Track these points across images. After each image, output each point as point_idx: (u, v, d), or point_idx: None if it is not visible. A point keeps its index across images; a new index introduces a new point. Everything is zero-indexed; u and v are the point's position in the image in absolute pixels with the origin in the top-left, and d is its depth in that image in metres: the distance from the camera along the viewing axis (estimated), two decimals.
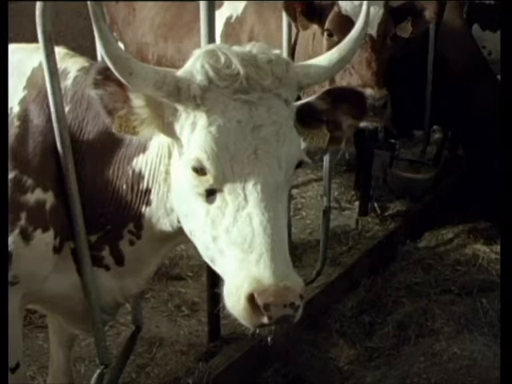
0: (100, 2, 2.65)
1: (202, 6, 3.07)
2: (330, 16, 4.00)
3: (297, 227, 5.39)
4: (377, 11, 3.98)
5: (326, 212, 4.37)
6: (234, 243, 2.09)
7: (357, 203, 5.67)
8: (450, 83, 5.32)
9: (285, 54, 3.80)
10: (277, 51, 2.29)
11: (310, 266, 4.48)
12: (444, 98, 5.37)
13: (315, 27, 4.08)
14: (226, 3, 4.69)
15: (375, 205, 5.54)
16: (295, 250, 4.92)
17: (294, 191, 5.90)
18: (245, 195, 2.10)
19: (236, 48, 2.26)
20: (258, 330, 2.18)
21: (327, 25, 4.02)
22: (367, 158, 5.52)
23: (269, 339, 2.31)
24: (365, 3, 2.47)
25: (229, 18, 4.66)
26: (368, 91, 3.66)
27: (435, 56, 5.32)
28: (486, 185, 5.44)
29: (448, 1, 5.50)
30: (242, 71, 2.15)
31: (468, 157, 5.81)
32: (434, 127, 6.22)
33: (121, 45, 5.30)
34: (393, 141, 5.59)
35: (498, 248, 5.15)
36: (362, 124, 3.79)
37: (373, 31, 3.97)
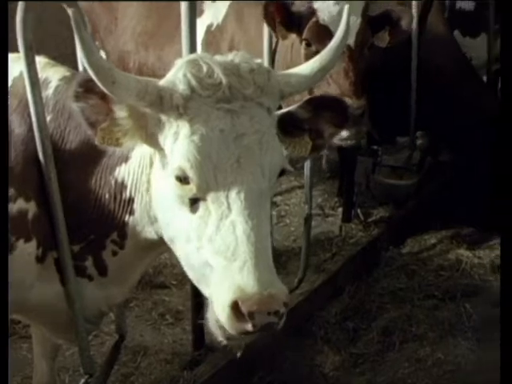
0: (82, 11, 2.66)
1: (183, 14, 3.08)
2: (308, 26, 4.01)
3: (281, 234, 5.41)
4: (355, 21, 3.97)
5: (308, 219, 4.38)
6: (218, 252, 2.10)
7: (340, 210, 5.69)
8: (434, 89, 5.35)
9: (265, 63, 3.82)
10: (258, 60, 2.31)
11: (294, 273, 4.47)
12: (429, 104, 5.40)
13: (294, 36, 4.08)
14: (206, 11, 4.70)
15: (358, 211, 5.57)
16: (279, 258, 4.93)
17: (278, 198, 5.92)
18: (228, 204, 2.11)
19: (218, 57, 2.27)
20: (228, 346, 2.22)
21: (305, 34, 4.03)
22: (350, 165, 5.55)
23: (238, 354, 2.31)
24: (344, 12, 2.49)
25: (209, 26, 4.66)
26: (347, 101, 3.68)
27: (419, 62, 5.36)
28: (471, 190, 5.50)
29: (430, 8, 5.60)
30: (224, 80, 2.16)
31: (454, 162, 5.86)
32: (417, 133, 6.26)
33: (103, 53, 5.30)
34: (375, 147, 5.62)
35: (480, 253, 5.20)
36: (337, 142, 3.85)
37: (351, 41, 3.96)
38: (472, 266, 5.06)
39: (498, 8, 6.29)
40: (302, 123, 2.42)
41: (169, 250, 2.50)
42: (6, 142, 2.44)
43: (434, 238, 5.42)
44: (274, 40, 4.09)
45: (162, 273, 4.82)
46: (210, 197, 2.13)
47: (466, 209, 5.45)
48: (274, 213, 5.63)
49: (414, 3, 5.29)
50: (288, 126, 2.38)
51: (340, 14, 2.59)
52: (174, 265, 4.76)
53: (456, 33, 6.11)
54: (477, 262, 5.10)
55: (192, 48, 3.11)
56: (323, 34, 3.79)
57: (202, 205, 2.15)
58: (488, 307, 4.62)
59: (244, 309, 2.01)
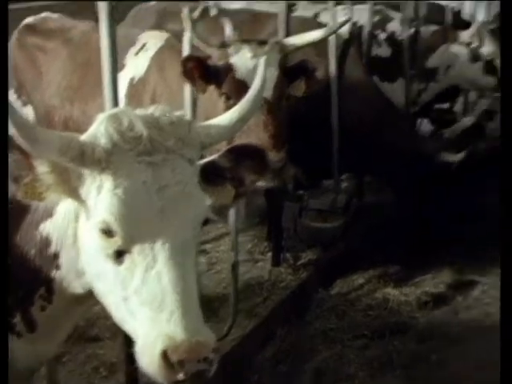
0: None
1: (105, 67, 3.14)
2: (227, 80, 4.09)
3: (212, 281, 5.43)
4: (272, 73, 4.06)
5: (235, 266, 4.45)
6: (145, 303, 2.12)
7: (270, 254, 5.76)
8: (356, 133, 5.53)
9: (188, 114, 3.90)
10: (179, 112, 2.37)
11: (226, 319, 4.49)
12: (351, 148, 5.57)
13: (213, 89, 4.16)
14: (128, 65, 4.77)
15: (287, 255, 5.66)
16: (211, 304, 4.95)
17: (208, 246, 5.96)
18: (153, 255, 2.14)
19: (139, 111, 2.32)
20: None
21: (224, 88, 4.11)
22: (277, 210, 5.66)
23: None
24: (260, 65, 2.59)
25: (132, 80, 4.73)
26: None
27: (340, 107, 5.53)
28: (396, 229, 5.68)
29: (348, 55, 5.83)
30: (145, 133, 2.21)
31: (381, 202, 6.04)
32: (343, 176, 6.43)
33: (29, 108, 5.30)
34: (301, 192, 5.75)
35: (406, 290, 5.35)
36: (260, 183, 3.92)
37: (269, 94, 4.03)
38: (399, 304, 5.18)
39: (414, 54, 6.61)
40: (224, 172, 2.47)
41: (98, 302, 2.51)
42: (6, 142, 2.41)
43: (361, 278, 5.54)
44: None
45: (96, 325, 4.75)
46: (136, 249, 2.16)
47: (392, 248, 5.63)
48: (204, 260, 5.67)
49: (331, 52, 5.50)
50: (210, 175, 2.43)
51: (256, 68, 2.68)
52: (108, 316, 4.70)
53: (375, 78, 6.36)
54: (403, 299, 5.22)
55: (115, 102, 3.16)
56: (241, 88, 3.80)
57: (127, 257, 2.17)
58: (416, 344, 4.76)
59: (173, 357, 2.03)
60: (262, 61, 2.62)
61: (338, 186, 5.87)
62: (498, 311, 5.11)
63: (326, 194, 6.23)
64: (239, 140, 3.65)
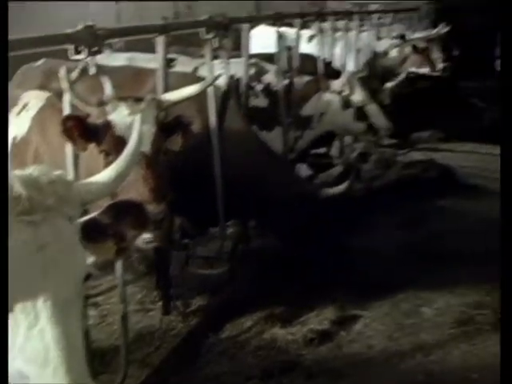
0: None
1: None
2: (106, 137, 4.21)
3: (104, 334, 5.46)
4: (148, 129, 4.20)
5: (124, 318, 4.53)
6: (30, 360, 2.16)
7: (160, 303, 5.86)
8: (240, 181, 5.73)
9: (70, 172, 3.99)
10: (59, 171, 2.42)
11: (119, 371, 4.55)
12: (236, 195, 5.76)
13: (93, 146, 4.26)
14: (10, 125, 4.81)
15: (177, 303, 5.78)
16: (104, 357, 4.99)
17: (99, 298, 5.97)
18: (36, 313, 2.18)
19: (17, 172, 2.36)
20: None
21: (103, 145, 4.21)
22: (165, 260, 5.78)
23: None
24: (136, 122, 2.75)
25: (14, 139, 4.77)
26: (148, 207, 3.81)
27: (224, 157, 5.70)
28: (283, 269, 5.91)
29: (227, 107, 6.06)
30: (24, 193, 2.25)
31: (266, 246, 6.26)
32: (229, 222, 6.61)
33: None
34: (187, 241, 5.90)
35: (293, 329, 5.52)
36: (141, 245, 4.06)
37: (146, 149, 4.16)
38: (287, 343, 5.36)
39: (289, 104, 6.94)
40: (105, 229, 2.54)
41: None
42: (6, 143, 2.38)
43: (249, 320, 5.67)
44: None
45: None
46: (18, 308, 2.19)
47: (277, 289, 5.85)
48: (95, 313, 5.70)
49: (210, 105, 5.71)
50: (91, 233, 2.49)
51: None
52: None
53: (254, 128, 6.63)
54: (290, 338, 5.39)
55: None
56: (120, 144, 3.85)
57: (10, 316, 2.20)
58: (304, 380, 4.94)
59: None
60: (137, 118, 2.79)
61: (224, 232, 6.04)
62: (379, 343, 5.44)
63: (212, 240, 6.41)
64: (121, 194, 3.78)
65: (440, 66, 12.15)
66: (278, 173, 5.99)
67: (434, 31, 13.23)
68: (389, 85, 10.05)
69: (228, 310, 5.76)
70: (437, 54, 12.29)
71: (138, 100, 4.35)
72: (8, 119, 2.58)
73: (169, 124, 4.47)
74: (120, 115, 4.23)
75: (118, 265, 4.36)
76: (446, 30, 13.26)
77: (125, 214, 2.59)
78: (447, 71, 12.39)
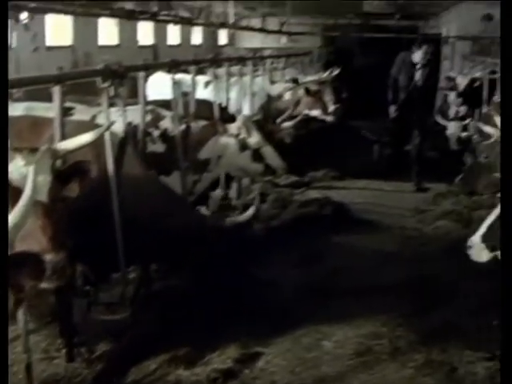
0: None
1: None
2: None
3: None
4: (44, 178, 4.16)
5: (28, 367, 4.52)
6: None
7: (64, 351, 5.84)
8: (140, 225, 5.81)
9: None
10: None
11: None
12: (137, 240, 5.83)
13: None
14: None
15: (82, 350, 5.78)
16: None
17: None
18: None
19: None
20: None
21: None
22: (66, 307, 5.77)
23: None
24: (30, 172, 2.83)
25: None
26: (47, 256, 3.72)
27: (123, 202, 5.75)
28: (185, 310, 6.01)
29: (125, 153, 6.15)
30: None
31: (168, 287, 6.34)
32: (130, 268, 6.67)
33: None
34: (88, 287, 5.92)
35: (197, 369, 5.60)
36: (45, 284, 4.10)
37: (43, 197, 4.13)
38: (191, 383, 5.47)
39: (186, 148, 7.11)
40: None
41: None
42: (6, 144, 2.35)
43: (154, 363, 5.73)
44: None
45: None
46: None
47: (180, 330, 5.94)
48: None
49: (108, 151, 5.78)
50: None
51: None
52: None
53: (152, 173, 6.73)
54: (195, 379, 5.49)
55: None
56: (16, 195, 3.63)
57: None
58: None
59: None
60: (31, 169, 2.87)
61: (126, 277, 6.10)
62: (283, 378, 5.62)
63: (115, 286, 6.44)
64: (20, 244, 3.81)
65: (332, 108, 12.66)
66: (179, 212, 6.11)
67: (325, 74, 13.81)
68: (286, 125, 10.37)
69: (132, 354, 5.81)
70: (328, 96, 12.81)
71: (34, 150, 4.37)
72: (8, 119, 2.62)
73: (65, 171, 4.50)
74: (15, 166, 4.22)
75: (20, 315, 4.36)
76: (336, 72, 13.86)
77: (21, 265, 2.68)
78: (338, 113, 12.93)
